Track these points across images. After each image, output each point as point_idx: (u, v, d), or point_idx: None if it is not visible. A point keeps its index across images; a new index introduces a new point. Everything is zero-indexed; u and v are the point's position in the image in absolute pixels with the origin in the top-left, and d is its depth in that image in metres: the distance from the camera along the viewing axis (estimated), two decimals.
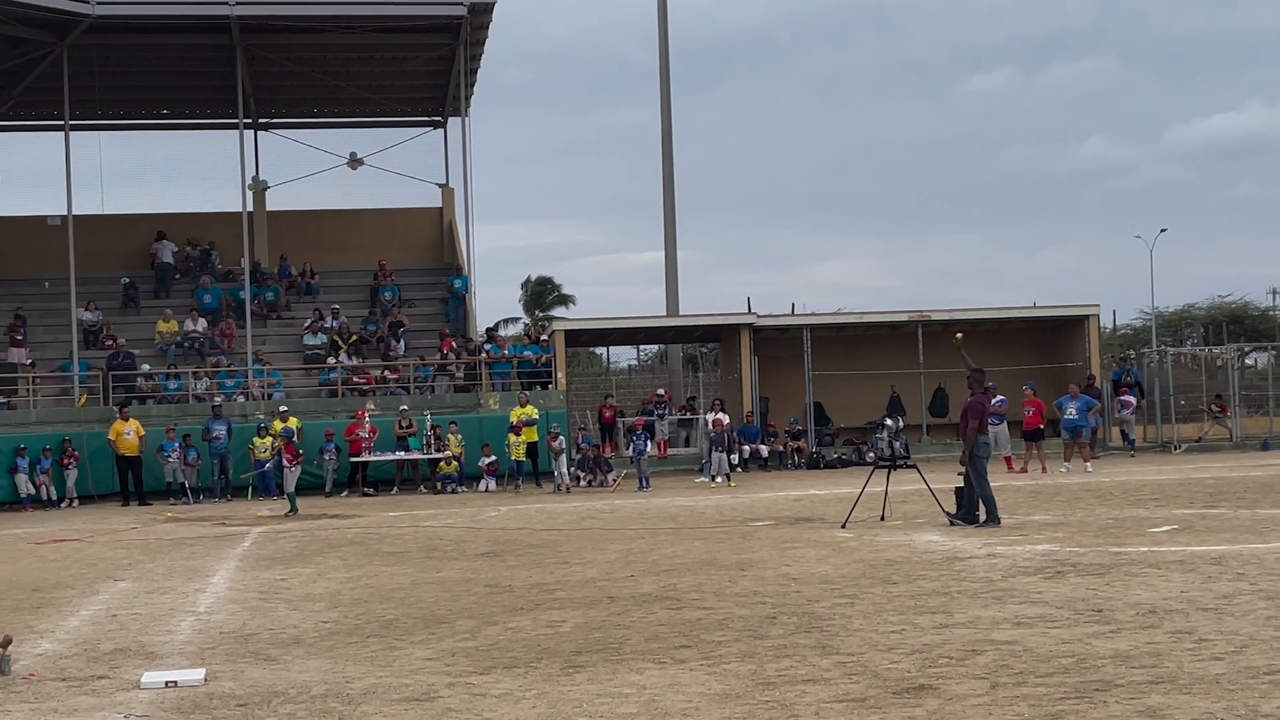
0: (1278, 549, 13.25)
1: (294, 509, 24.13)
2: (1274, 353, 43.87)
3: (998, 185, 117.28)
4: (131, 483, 29.62)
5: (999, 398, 28.55)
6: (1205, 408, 37.63)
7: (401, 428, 30.42)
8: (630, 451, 29.68)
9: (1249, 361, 49.98)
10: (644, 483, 28.27)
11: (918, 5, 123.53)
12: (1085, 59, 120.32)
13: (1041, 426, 29.16)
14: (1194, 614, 9.73)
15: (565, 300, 73.77)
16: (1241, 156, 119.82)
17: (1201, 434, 36.84)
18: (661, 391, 36.41)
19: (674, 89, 39.88)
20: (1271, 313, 71.86)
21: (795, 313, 42.52)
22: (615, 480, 29.37)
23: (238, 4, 32.74)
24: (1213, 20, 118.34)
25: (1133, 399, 34.96)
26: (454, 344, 34.79)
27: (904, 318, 36.85)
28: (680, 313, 38.99)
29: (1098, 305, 37.55)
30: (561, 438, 29.31)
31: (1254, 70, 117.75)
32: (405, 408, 31.10)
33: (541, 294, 74.36)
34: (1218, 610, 9.83)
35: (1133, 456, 32.70)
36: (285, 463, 26.34)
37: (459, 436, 30.21)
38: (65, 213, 33.37)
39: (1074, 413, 28.62)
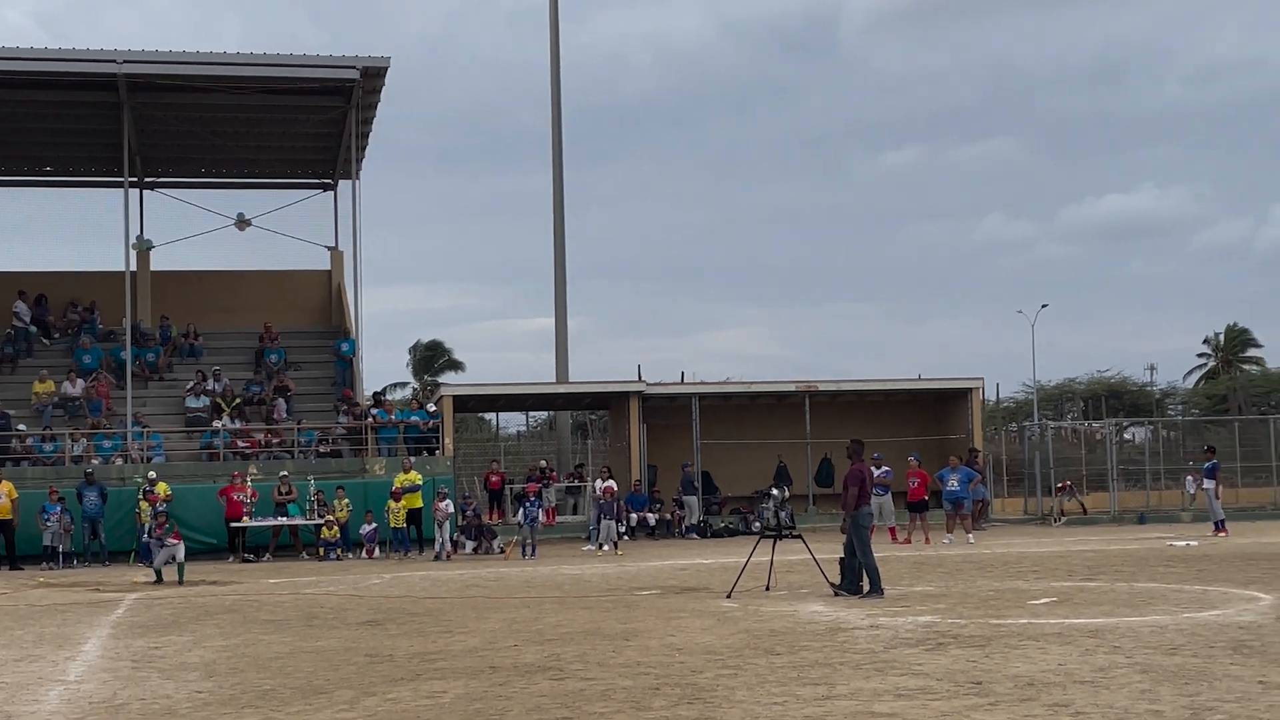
0: (1153, 622, 13.47)
1: (181, 579, 23.08)
2: (1151, 428, 44.86)
3: (894, 259, 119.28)
4: (3, 546, 28.81)
5: (884, 469, 28.82)
6: (1061, 485, 38.49)
7: (281, 494, 29.94)
8: (521, 518, 29.33)
9: (1127, 436, 51.04)
10: (530, 550, 27.95)
11: (810, 79, 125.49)
12: (993, 138, 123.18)
13: (926, 498, 29.45)
14: (1071, 687, 9.82)
15: (455, 365, 73.48)
16: (1133, 237, 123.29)
17: (1061, 511, 37.49)
18: (544, 463, 36.31)
19: (568, 156, 40.18)
20: (1149, 389, 73.57)
21: (684, 381, 42.70)
22: (506, 547, 29.00)
23: (125, 62, 32.39)
24: (1096, 102, 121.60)
25: None
26: (340, 408, 34.44)
27: (791, 388, 37.16)
28: (570, 379, 38.96)
29: (981, 379, 38.26)
30: (449, 499, 29.03)
31: (1144, 150, 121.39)
32: (286, 473, 30.62)
33: (431, 358, 74.02)
34: (1094, 683, 9.94)
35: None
36: (158, 536, 23.67)
37: (346, 502, 29.82)
38: None
39: (955, 485, 28.96)
